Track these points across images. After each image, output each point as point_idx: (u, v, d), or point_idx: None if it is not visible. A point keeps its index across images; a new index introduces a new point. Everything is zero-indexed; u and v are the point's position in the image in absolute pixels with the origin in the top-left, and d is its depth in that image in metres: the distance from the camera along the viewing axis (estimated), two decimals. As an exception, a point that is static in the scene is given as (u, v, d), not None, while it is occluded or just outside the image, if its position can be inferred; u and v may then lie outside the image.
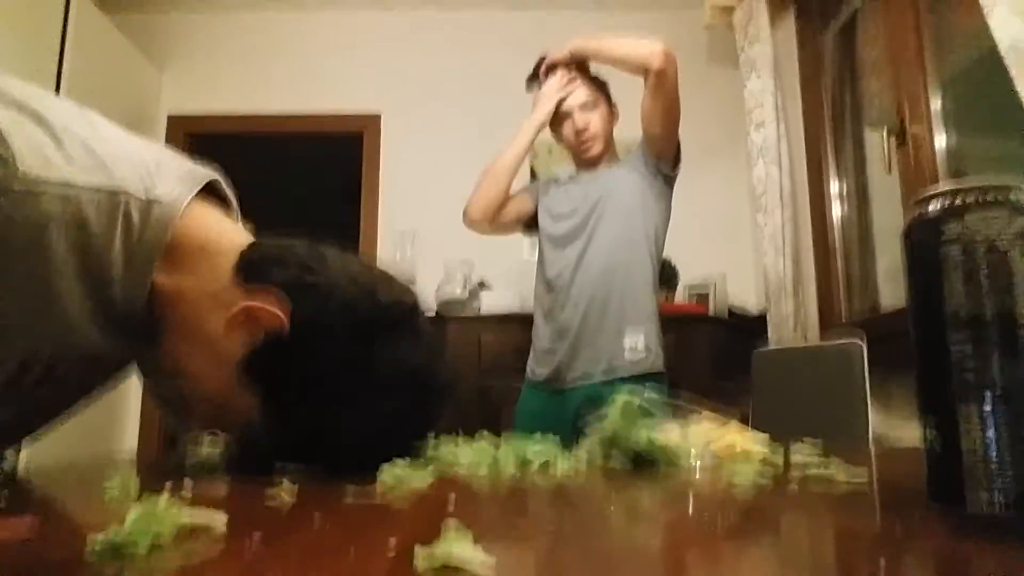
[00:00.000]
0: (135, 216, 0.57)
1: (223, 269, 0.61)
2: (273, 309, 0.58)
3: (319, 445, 0.59)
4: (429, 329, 0.66)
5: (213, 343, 0.60)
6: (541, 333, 1.78)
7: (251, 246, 0.64)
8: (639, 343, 1.64)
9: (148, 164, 0.61)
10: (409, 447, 0.63)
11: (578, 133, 1.79)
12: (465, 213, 1.83)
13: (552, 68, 1.86)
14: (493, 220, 1.82)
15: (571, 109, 1.80)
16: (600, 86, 1.85)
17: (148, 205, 0.58)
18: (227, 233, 0.66)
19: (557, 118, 1.83)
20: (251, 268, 0.61)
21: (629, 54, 1.68)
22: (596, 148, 1.80)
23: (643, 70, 1.65)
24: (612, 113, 1.85)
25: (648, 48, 1.64)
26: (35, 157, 0.52)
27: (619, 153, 1.89)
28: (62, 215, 0.53)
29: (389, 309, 0.62)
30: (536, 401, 1.74)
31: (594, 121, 1.80)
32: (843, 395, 1.55)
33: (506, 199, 1.84)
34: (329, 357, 0.58)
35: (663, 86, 1.64)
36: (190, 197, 0.63)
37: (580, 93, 1.80)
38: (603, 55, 1.75)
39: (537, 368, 1.76)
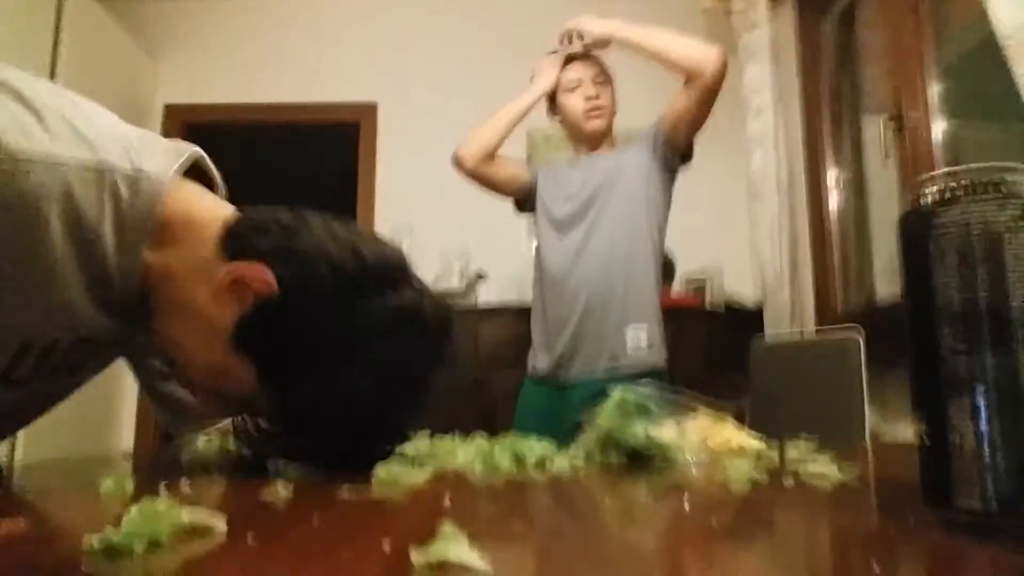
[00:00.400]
0: (123, 190, 0.57)
1: (208, 242, 0.61)
2: (260, 274, 0.57)
3: (322, 414, 0.58)
4: (418, 281, 0.65)
5: (204, 315, 0.59)
6: (540, 325, 1.73)
7: (234, 218, 0.63)
8: (642, 338, 1.59)
9: (131, 138, 0.61)
10: (413, 406, 0.62)
11: (588, 99, 1.71)
12: (455, 151, 1.79)
13: (579, 37, 1.76)
14: (481, 164, 1.77)
15: (582, 78, 1.73)
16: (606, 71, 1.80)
17: (135, 179, 0.58)
18: (211, 206, 0.65)
19: (562, 89, 1.76)
20: (235, 239, 0.61)
21: (682, 54, 1.58)
22: (603, 122, 1.73)
23: (693, 74, 1.56)
24: (615, 104, 1.81)
25: (703, 53, 1.56)
26: (18, 131, 0.51)
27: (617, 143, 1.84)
28: (51, 191, 0.52)
29: (375, 265, 0.61)
30: (538, 397, 1.70)
31: (605, 94, 1.74)
32: (840, 387, 1.55)
33: (498, 147, 1.79)
34: (319, 317, 0.58)
35: (710, 93, 1.58)
36: (176, 169, 0.62)
37: (592, 67, 1.75)
38: (648, 47, 1.64)
39: (538, 363, 1.72)
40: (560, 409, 1.60)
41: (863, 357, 1.51)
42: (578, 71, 1.75)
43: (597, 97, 1.71)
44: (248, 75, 3.43)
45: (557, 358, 1.65)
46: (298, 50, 3.46)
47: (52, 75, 2.60)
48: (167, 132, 3.36)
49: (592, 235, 1.67)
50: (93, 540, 0.31)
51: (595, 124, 1.73)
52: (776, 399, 1.78)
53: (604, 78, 1.75)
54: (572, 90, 1.74)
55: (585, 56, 1.76)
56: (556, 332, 1.67)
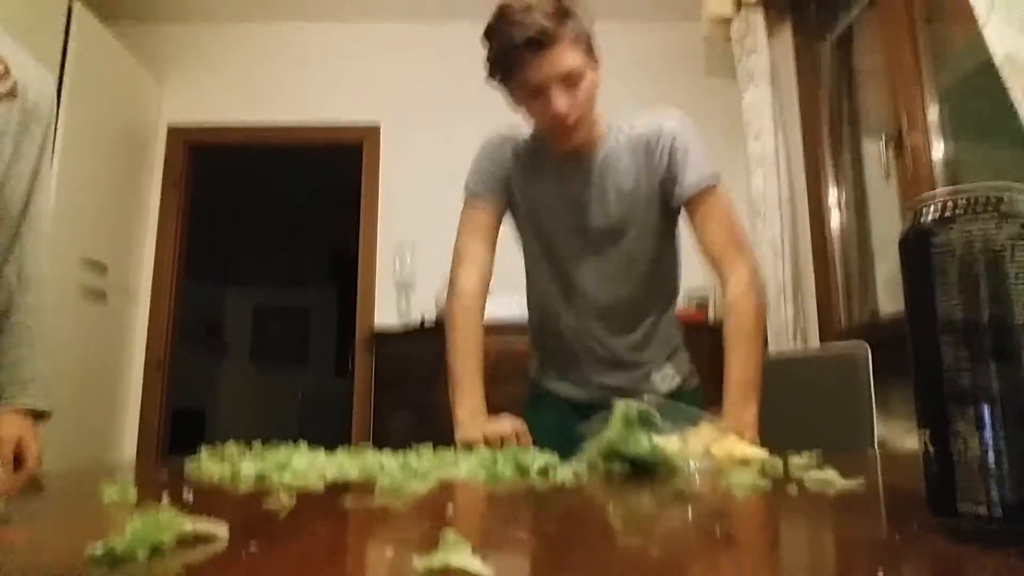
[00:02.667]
0: None
1: None
2: None
3: None
4: None
5: None
6: (540, 358, 1.43)
7: None
8: (669, 372, 1.34)
9: None
10: None
11: (555, 119, 1.17)
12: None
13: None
14: (483, 292, 1.33)
15: (547, 82, 1.14)
16: (577, 32, 1.16)
17: None
18: None
19: (524, 93, 1.20)
20: None
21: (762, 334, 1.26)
22: (579, 136, 1.24)
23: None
24: (597, 71, 1.22)
25: (762, 311, 1.25)
26: None
27: (601, 122, 1.29)
28: None
29: None
30: (549, 401, 1.41)
31: (581, 99, 1.18)
32: (848, 399, 1.55)
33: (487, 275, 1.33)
34: None
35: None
36: None
37: (566, 58, 1.14)
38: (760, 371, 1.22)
39: (556, 389, 1.41)
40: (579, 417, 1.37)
41: (871, 369, 1.51)
42: (539, 70, 1.15)
43: (567, 115, 1.17)
44: (252, 97, 3.47)
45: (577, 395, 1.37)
46: (302, 72, 3.50)
47: (58, 96, 2.62)
48: (170, 153, 3.40)
49: (592, 266, 1.31)
50: (96, 548, 0.31)
51: (568, 143, 1.25)
52: (783, 412, 1.77)
53: (580, 70, 1.16)
54: (533, 96, 1.19)
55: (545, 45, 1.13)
56: (562, 372, 1.38)
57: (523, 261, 1.42)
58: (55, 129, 1.10)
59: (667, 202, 1.29)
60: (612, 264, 1.31)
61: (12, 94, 0.96)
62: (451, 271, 1.31)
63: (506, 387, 1.85)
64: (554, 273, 1.35)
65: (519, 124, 1.36)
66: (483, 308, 1.31)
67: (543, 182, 1.33)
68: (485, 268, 1.31)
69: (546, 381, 1.44)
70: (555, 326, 1.37)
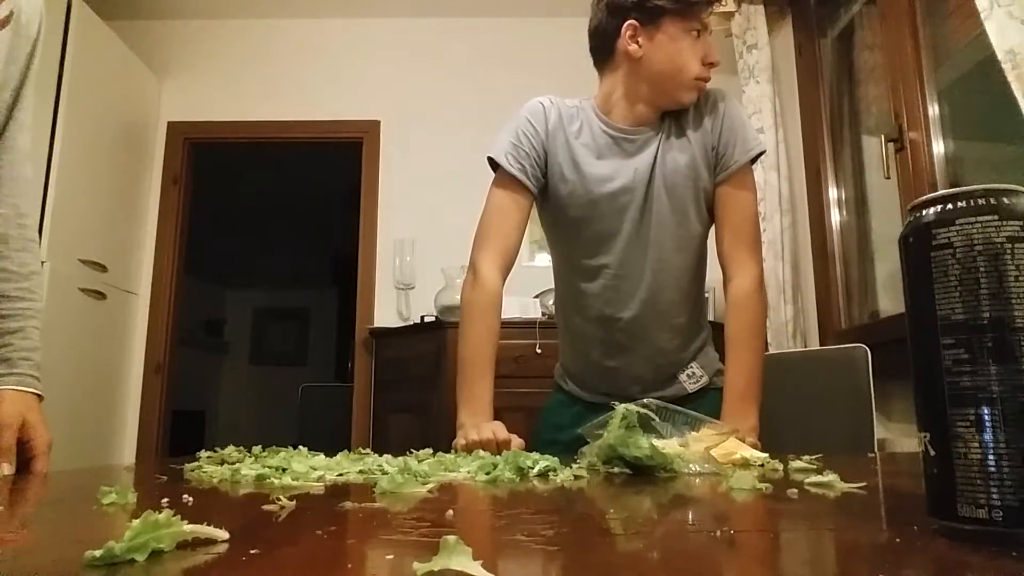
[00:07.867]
0: None
1: None
2: None
3: None
4: None
5: None
6: (579, 365, 1.33)
7: None
8: (696, 371, 1.28)
9: None
10: None
11: (711, 67, 1.20)
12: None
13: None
14: (505, 269, 1.23)
15: (708, 27, 1.21)
16: None
17: None
18: None
19: (687, 28, 1.18)
20: None
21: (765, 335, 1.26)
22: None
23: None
24: None
25: (764, 315, 1.24)
26: None
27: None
28: None
29: None
30: (572, 408, 1.33)
31: None
32: (848, 399, 1.55)
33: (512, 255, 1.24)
34: None
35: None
36: None
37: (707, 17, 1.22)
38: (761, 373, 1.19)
39: (577, 389, 1.34)
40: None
41: (871, 368, 1.51)
42: (708, 14, 1.20)
43: (715, 67, 1.21)
44: (252, 93, 3.47)
45: (602, 391, 1.28)
46: (302, 68, 3.50)
47: (58, 92, 2.63)
48: (170, 149, 3.40)
49: (638, 254, 1.22)
50: (95, 551, 0.31)
51: (693, 97, 1.22)
52: (782, 413, 1.78)
53: None
54: (696, 36, 1.19)
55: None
56: (593, 372, 1.29)
57: (546, 251, 1.36)
58: (36, 57, 1.00)
59: (713, 174, 1.23)
60: (668, 246, 1.22)
61: (7, 22, 0.90)
62: (472, 253, 1.22)
63: (512, 385, 1.84)
64: (593, 256, 1.25)
65: (531, 110, 1.25)
66: (501, 297, 1.21)
67: (597, 158, 1.23)
68: (509, 255, 1.22)
69: (567, 378, 1.36)
70: (592, 312, 1.26)
